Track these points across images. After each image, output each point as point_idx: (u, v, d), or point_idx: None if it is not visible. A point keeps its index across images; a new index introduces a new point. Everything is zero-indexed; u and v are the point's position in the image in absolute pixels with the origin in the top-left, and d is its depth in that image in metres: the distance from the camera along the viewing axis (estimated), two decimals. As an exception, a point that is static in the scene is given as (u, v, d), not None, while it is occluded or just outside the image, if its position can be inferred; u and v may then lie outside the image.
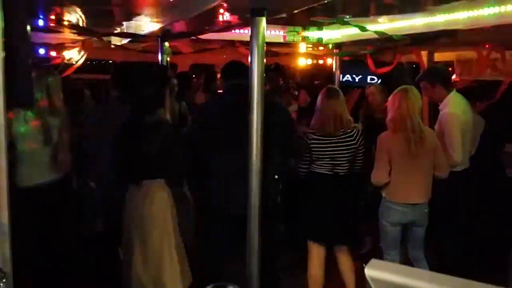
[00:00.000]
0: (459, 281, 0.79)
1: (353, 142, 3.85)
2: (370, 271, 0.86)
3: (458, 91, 4.28)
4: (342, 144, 3.83)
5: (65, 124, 3.78)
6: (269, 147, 3.32)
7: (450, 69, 7.17)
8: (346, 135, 3.84)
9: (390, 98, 3.80)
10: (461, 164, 4.06)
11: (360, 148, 3.90)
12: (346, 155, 3.84)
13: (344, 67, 6.68)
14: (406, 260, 3.93)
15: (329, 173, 3.84)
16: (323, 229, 3.87)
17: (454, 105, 4.10)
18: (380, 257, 3.83)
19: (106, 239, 4.01)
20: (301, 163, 3.90)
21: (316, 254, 3.95)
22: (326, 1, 2.83)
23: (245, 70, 2.99)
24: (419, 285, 0.81)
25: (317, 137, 3.83)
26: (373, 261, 0.88)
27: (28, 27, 1.86)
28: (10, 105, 1.67)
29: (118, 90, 4.16)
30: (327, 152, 3.82)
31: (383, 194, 3.77)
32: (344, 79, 6.99)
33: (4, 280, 1.58)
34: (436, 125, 4.12)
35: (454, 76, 6.92)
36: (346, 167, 3.86)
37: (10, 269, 1.62)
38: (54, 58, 6.48)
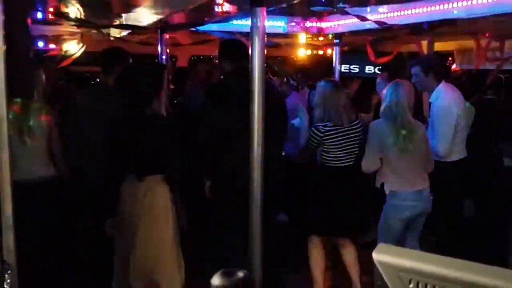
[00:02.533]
0: (466, 263, 0.80)
1: (361, 135, 3.90)
2: (378, 256, 0.87)
3: (447, 81, 4.28)
4: (353, 134, 3.87)
5: (53, 117, 3.76)
6: (271, 134, 3.31)
7: (450, 58, 7.18)
8: (354, 126, 3.89)
9: (384, 90, 3.81)
10: (456, 153, 4.09)
11: (363, 141, 3.92)
12: (352, 147, 3.87)
13: (344, 57, 6.66)
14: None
15: (342, 165, 3.86)
16: (333, 222, 3.88)
17: (447, 97, 4.09)
18: None
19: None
20: (302, 152, 3.98)
21: (318, 242, 3.98)
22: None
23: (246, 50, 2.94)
24: (427, 268, 0.82)
25: (329, 128, 3.83)
26: (381, 245, 0.89)
27: (29, 20, 1.85)
28: (10, 96, 1.67)
29: (111, 77, 4.01)
30: (342, 144, 3.84)
31: (388, 191, 3.76)
32: (342, 69, 6.95)
33: (9, 272, 1.58)
34: (429, 117, 4.13)
35: (454, 66, 6.93)
36: (353, 158, 3.90)
37: (15, 260, 1.63)
38: (53, 50, 6.47)
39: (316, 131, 3.86)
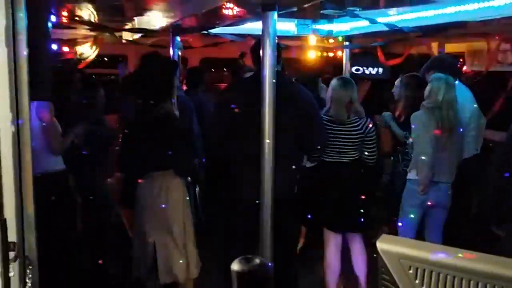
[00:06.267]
0: (458, 251, 0.86)
1: (360, 131, 3.89)
2: (381, 244, 0.93)
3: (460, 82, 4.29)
4: (349, 132, 3.88)
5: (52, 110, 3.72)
6: (286, 136, 3.27)
7: (461, 60, 7.17)
8: (353, 124, 3.88)
9: (429, 86, 3.80)
10: (466, 152, 4.11)
11: (369, 137, 3.92)
12: (352, 143, 3.88)
13: (354, 59, 6.69)
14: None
15: (335, 160, 3.90)
16: (336, 217, 3.92)
17: (462, 97, 4.11)
18: None
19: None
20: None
21: (333, 242, 4.00)
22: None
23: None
24: (425, 256, 0.87)
25: (329, 124, 3.87)
26: (384, 236, 0.94)
27: (50, 24, 1.91)
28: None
29: None
30: (336, 140, 3.87)
31: (409, 176, 3.80)
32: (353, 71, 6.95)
33: (30, 267, 1.65)
34: None
35: (465, 67, 6.91)
36: (352, 155, 3.90)
37: (36, 257, 1.69)
38: (68, 53, 6.57)
39: None
